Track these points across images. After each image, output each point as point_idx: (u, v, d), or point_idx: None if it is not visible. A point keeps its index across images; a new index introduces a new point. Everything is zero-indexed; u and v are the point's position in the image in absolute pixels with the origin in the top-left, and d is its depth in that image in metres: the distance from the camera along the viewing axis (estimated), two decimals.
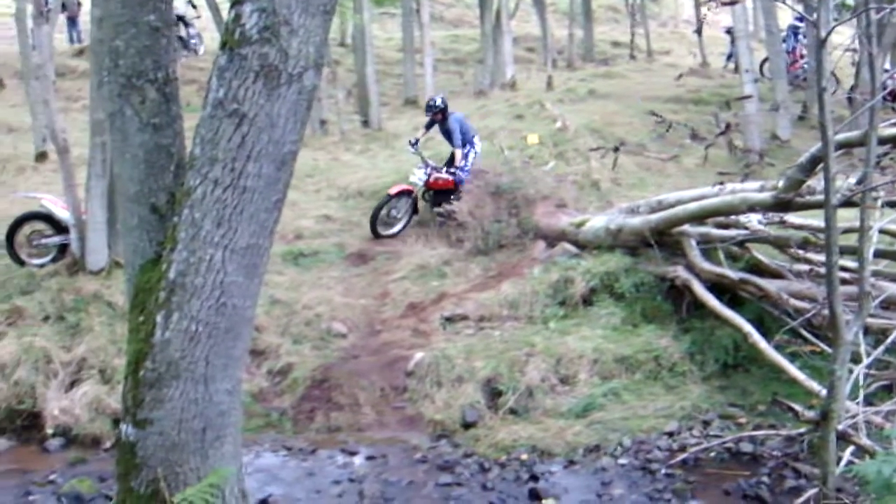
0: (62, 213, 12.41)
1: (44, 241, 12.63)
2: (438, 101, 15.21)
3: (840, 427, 6.96)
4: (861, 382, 8.34)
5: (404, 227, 15.00)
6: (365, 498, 8.94)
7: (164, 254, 5.15)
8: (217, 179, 4.90)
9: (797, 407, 8.80)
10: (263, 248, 5.15)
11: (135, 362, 5.21)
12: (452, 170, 15.01)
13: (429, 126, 15.61)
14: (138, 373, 5.18)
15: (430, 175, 14.92)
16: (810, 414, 7.91)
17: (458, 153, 15.01)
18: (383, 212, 14.77)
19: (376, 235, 14.73)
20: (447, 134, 15.17)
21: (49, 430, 10.36)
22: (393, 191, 14.77)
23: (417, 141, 15.43)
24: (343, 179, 16.40)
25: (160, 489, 5.16)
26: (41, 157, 18.30)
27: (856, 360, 8.07)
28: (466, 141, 15.28)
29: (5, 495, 8.96)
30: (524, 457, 9.68)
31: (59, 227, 12.55)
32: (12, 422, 10.51)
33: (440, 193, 15.13)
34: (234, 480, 5.51)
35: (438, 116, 15.14)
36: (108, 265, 12.20)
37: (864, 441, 7.37)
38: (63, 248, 12.57)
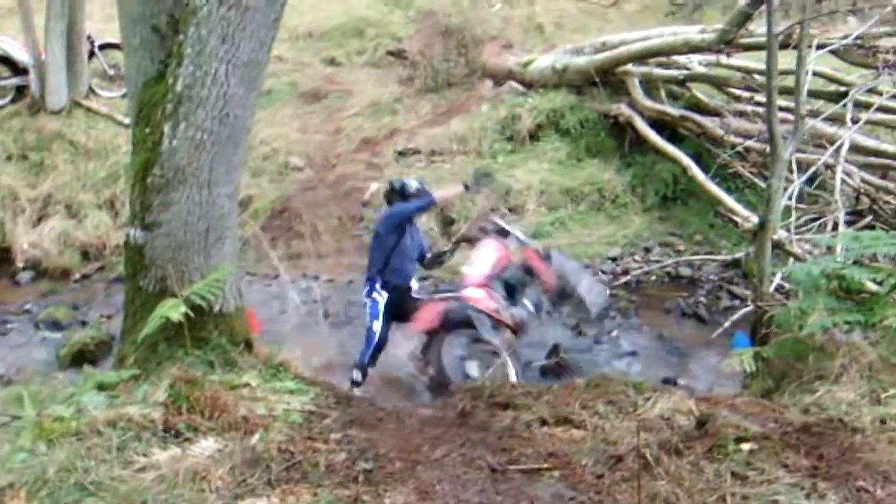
0: (20, 54, 12.50)
1: (1, 82, 12.75)
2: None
3: (776, 237, 7.55)
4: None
5: None
6: (329, 316, 9.57)
7: (168, 70, 5.52)
8: None
9: (740, 215, 9.45)
10: (262, 63, 5.55)
11: (142, 170, 5.59)
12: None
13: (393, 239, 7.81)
14: (146, 180, 5.57)
15: None
16: (749, 225, 8.45)
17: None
18: None
19: None
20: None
21: (19, 264, 10.81)
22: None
23: None
24: (291, 21, 16.46)
25: (167, 286, 5.61)
26: None
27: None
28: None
29: None
30: None
31: (16, 69, 12.65)
32: None
33: None
34: (233, 278, 5.99)
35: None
36: (69, 104, 12.40)
37: (796, 249, 7.98)
38: (21, 90, 12.68)
